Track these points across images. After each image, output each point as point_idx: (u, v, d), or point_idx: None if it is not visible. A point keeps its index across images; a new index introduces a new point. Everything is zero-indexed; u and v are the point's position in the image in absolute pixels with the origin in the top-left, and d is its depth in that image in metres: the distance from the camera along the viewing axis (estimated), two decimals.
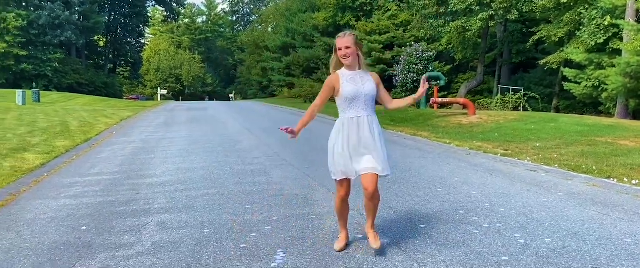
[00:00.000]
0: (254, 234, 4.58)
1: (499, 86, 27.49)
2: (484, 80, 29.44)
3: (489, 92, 29.78)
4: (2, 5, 49.47)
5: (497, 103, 25.47)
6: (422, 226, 4.81)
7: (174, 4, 72.33)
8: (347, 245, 4.17)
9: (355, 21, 35.67)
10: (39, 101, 28.42)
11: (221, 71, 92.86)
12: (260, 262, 3.87)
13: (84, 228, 4.86)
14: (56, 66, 51.25)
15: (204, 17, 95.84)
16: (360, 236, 4.42)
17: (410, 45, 27.80)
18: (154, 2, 72.05)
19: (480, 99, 28.32)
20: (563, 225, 4.79)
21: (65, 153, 9.95)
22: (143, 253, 4.09)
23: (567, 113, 21.75)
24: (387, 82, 26.87)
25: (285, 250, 4.13)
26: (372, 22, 33.84)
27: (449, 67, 30.06)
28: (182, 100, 68.85)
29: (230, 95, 71.77)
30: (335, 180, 4.04)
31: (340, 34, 3.95)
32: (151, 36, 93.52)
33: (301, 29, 40.17)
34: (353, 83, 3.92)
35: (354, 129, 3.91)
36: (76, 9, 54.62)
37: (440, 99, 20.29)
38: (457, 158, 9.25)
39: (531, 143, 10.88)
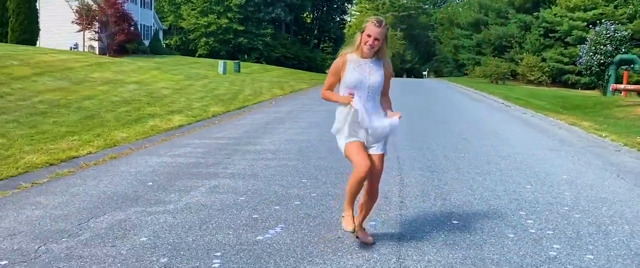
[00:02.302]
0: (277, 207, 4.66)
1: None
2: None
3: None
4: None
5: None
6: (454, 221, 4.38)
7: None
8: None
9: None
10: (239, 71, 31.66)
11: (421, 48, 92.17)
12: (253, 234, 3.95)
13: (150, 183, 5.45)
14: (267, 40, 56.39)
15: None
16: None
17: (601, 23, 24.22)
18: None
19: None
20: None
21: (211, 118, 11.08)
22: (168, 212, 4.47)
23: None
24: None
25: (287, 226, 4.14)
26: None
27: None
28: None
29: (424, 73, 71.01)
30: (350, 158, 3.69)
31: (375, 21, 3.57)
32: (357, 13, 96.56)
33: (495, 4, 37.69)
34: (359, 71, 3.63)
35: (356, 118, 3.62)
36: None
37: (622, 86, 17.36)
38: (596, 154, 8.00)
39: None
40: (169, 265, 3.35)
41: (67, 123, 8.74)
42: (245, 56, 52.70)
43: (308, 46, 66.58)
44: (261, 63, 51.37)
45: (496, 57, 36.63)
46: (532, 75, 35.09)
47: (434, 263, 3.48)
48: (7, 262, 3.34)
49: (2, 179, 5.35)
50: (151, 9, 47.14)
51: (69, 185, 5.29)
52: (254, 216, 4.39)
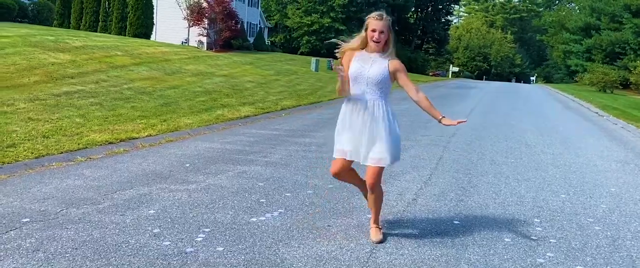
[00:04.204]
0: (288, 194, 4.86)
1: None
2: None
3: None
4: None
5: None
6: (456, 222, 4.33)
7: None
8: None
9: None
10: (331, 69, 32.15)
11: (533, 52, 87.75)
12: (250, 215, 4.19)
13: (187, 165, 5.88)
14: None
15: None
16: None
17: None
18: None
19: None
20: None
21: (279, 110, 11.49)
22: (187, 190, 4.83)
23: None
24: None
25: (286, 211, 4.33)
26: None
27: None
28: (486, 79, 67.89)
29: (532, 78, 67.47)
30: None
31: (376, 15, 3.67)
32: (465, 15, 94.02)
33: (609, 8, 34.88)
34: (361, 62, 3.70)
35: (356, 110, 3.71)
36: None
37: None
38: None
39: None
40: (159, 234, 3.67)
41: (144, 108, 9.53)
42: None
43: (410, 47, 65.88)
44: None
45: (607, 65, 33.93)
46: None
47: (406, 257, 3.51)
48: (28, 219, 3.85)
49: (62, 152, 6.03)
50: (258, 8, 49.16)
51: (116, 162, 5.85)
52: (261, 200, 4.62)
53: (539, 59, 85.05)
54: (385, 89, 3.73)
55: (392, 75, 3.71)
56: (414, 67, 60.97)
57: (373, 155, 3.66)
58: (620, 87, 32.85)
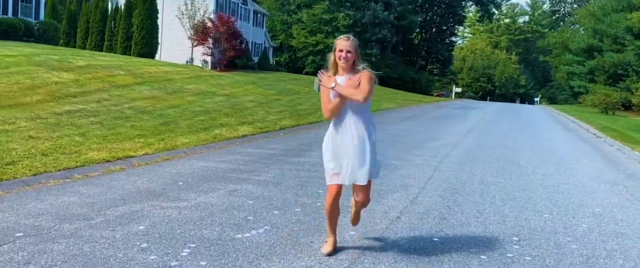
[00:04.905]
0: (276, 212, 5.01)
1: None
2: None
3: None
4: (336, 6, 57.49)
5: None
6: (435, 239, 4.46)
7: (490, 5, 71.50)
8: (335, 250, 3.96)
9: None
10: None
11: (537, 73, 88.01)
12: (235, 232, 4.34)
13: (181, 183, 6.04)
14: (372, 60, 57.03)
15: (526, 17, 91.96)
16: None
17: None
18: (471, 2, 72.63)
19: None
20: None
21: (278, 130, 11.67)
22: (178, 208, 4.98)
23: None
24: None
25: (271, 228, 4.48)
26: None
27: None
28: (490, 100, 68.11)
29: (536, 99, 67.60)
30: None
31: (343, 37, 3.87)
32: (470, 35, 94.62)
33: (611, 30, 35.13)
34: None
35: (341, 133, 3.88)
36: (397, 9, 59.49)
37: None
38: None
39: None
40: (146, 249, 3.83)
41: (143, 127, 9.73)
42: None
43: (414, 67, 66.26)
44: None
45: (609, 86, 34.08)
46: None
47: None
48: (22, 233, 4.01)
49: (60, 170, 6.22)
50: (263, 28, 49.75)
51: (112, 180, 6.03)
52: (249, 218, 4.77)
53: (543, 80, 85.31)
54: (366, 107, 3.89)
55: None
56: (418, 87, 61.29)
57: (357, 176, 3.82)
58: (622, 108, 32.95)
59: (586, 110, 33.88)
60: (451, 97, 59.95)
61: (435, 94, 64.23)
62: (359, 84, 3.79)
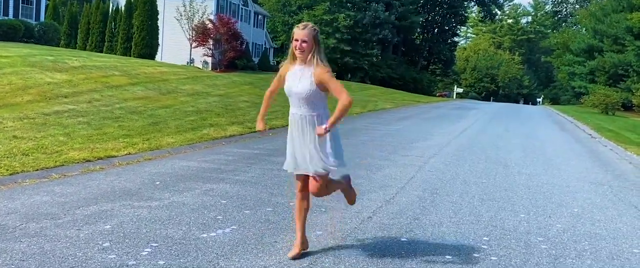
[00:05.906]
0: (247, 211, 5.00)
1: None
2: None
3: None
4: (337, 7, 57.46)
5: None
6: (403, 239, 4.43)
7: (492, 5, 71.33)
8: (301, 253, 3.86)
9: None
10: None
11: (541, 73, 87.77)
12: (201, 231, 4.32)
13: (157, 183, 6.04)
14: (373, 60, 57.01)
15: (529, 18, 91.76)
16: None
17: None
18: (473, 3, 72.50)
19: None
20: None
21: (267, 130, 11.63)
22: (149, 207, 4.97)
23: None
24: None
25: (238, 228, 4.46)
26: None
27: None
28: (493, 100, 67.94)
29: (538, 100, 67.41)
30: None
31: (300, 25, 3.76)
32: (473, 36, 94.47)
33: (611, 30, 34.98)
34: (291, 79, 3.80)
35: (293, 125, 3.89)
36: (398, 9, 59.43)
37: None
38: None
39: None
40: (108, 248, 3.81)
41: (130, 127, 9.74)
42: (349, 75, 53.66)
43: (415, 67, 66.14)
44: (365, 82, 51.95)
45: (610, 87, 33.93)
46: None
47: None
48: None
49: (38, 169, 6.22)
50: (263, 29, 49.79)
51: (89, 179, 6.02)
52: (218, 217, 4.76)
53: (546, 80, 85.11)
54: (318, 102, 3.76)
55: (321, 87, 3.70)
56: (419, 87, 61.19)
57: (305, 167, 3.82)
58: (622, 109, 32.80)
59: (586, 111, 33.73)
60: (452, 97, 59.81)
61: (437, 94, 64.14)
62: (326, 90, 3.73)
